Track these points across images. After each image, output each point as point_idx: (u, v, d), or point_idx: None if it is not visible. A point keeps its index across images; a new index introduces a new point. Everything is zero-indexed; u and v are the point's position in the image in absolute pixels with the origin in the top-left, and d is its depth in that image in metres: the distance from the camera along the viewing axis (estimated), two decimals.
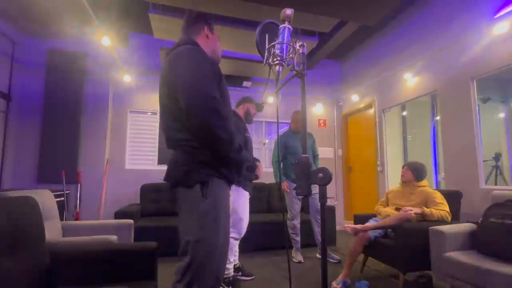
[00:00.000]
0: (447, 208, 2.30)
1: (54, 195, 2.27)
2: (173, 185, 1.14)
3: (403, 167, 2.67)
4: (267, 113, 4.79)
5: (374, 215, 2.70)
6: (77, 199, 3.82)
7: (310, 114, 5.14)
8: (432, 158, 4.08)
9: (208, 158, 1.09)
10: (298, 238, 3.13)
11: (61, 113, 3.90)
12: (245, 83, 4.56)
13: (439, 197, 2.36)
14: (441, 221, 2.24)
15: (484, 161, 2.88)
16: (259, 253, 3.33)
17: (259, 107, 2.68)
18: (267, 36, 1.05)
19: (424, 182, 2.55)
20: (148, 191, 3.83)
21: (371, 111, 4.51)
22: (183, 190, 1.10)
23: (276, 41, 0.98)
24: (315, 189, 2.66)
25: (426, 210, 2.29)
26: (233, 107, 2.01)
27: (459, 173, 3.00)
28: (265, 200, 4.16)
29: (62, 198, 3.51)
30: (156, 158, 4.40)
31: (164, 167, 4.37)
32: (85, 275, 1.39)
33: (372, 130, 4.44)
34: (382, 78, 4.24)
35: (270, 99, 4.86)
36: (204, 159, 1.09)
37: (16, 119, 3.81)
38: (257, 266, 2.90)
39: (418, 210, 2.30)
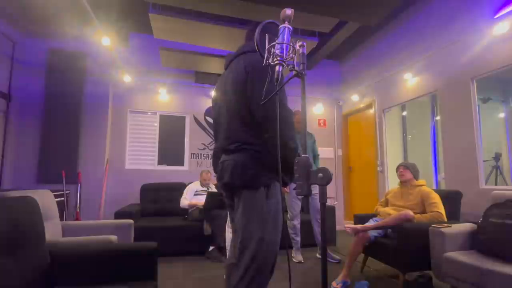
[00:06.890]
0: (439, 207, 2.30)
1: (54, 195, 2.27)
2: (237, 186, 1.19)
3: (398, 168, 2.67)
4: None
5: (374, 215, 2.70)
6: (77, 199, 3.82)
7: (310, 114, 5.14)
8: (432, 158, 4.08)
9: (271, 163, 1.16)
10: (298, 238, 3.13)
11: (61, 113, 3.91)
12: None
13: (433, 197, 2.35)
14: (435, 222, 2.23)
15: (484, 161, 2.88)
16: None
17: None
18: (267, 36, 1.05)
19: (422, 181, 2.56)
20: (148, 191, 3.84)
21: (371, 111, 4.50)
22: (249, 191, 1.17)
23: (276, 41, 0.98)
24: (315, 189, 2.66)
25: (417, 217, 2.32)
26: None
27: (459, 173, 3.00)
28: None
29: (62, 198, 3.51)
30: (156, 158, 4.41)
31: (164, 167, 4.40)
32: (85, 275, 1.39)
33: (372, 130, 4.43)
34: (382, 78, 4.24)
35: None
36: (268, 163, 1.17)
37: (16, 119, 3.81)
38: None
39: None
